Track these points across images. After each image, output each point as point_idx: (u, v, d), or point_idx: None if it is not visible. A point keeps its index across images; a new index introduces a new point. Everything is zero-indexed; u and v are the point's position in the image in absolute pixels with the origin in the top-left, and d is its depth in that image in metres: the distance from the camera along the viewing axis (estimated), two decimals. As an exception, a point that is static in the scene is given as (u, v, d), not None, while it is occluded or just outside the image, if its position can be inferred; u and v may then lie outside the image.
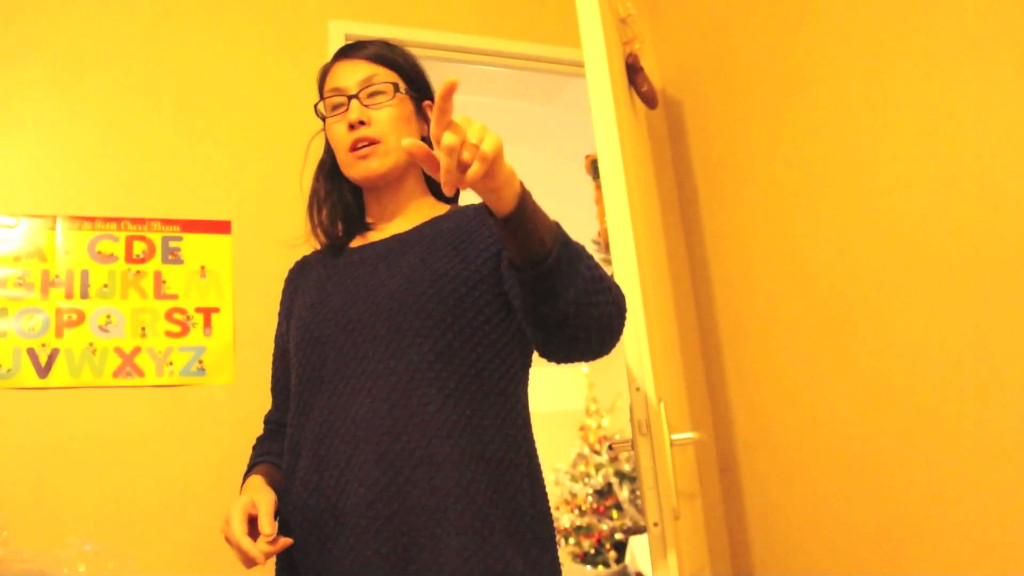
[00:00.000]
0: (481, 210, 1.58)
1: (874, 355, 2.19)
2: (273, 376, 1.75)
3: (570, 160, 3.85)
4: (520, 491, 1.44)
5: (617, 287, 1.41)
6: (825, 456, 2.35)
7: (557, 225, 1.32)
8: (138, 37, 2.70)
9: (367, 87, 1.61)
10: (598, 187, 3.03)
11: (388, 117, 1.61)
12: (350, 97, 1.61)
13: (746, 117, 2.69)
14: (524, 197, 1.25)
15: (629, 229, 2.04)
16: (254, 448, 1.73)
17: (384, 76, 1.63)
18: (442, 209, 1.69)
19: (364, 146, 1.60)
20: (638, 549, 6.76)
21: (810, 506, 2.40)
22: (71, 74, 2.60)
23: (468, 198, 1.76)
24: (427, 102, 1.71)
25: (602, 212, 2.91)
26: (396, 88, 1.62)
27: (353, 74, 1.63)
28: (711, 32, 2.91)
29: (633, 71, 2.80)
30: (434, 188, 1.74)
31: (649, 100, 2.88)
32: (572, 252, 1.31)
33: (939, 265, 2.01)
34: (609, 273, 1.46)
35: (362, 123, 1.59)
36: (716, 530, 2.77)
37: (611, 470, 7.91)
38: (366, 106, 1.61)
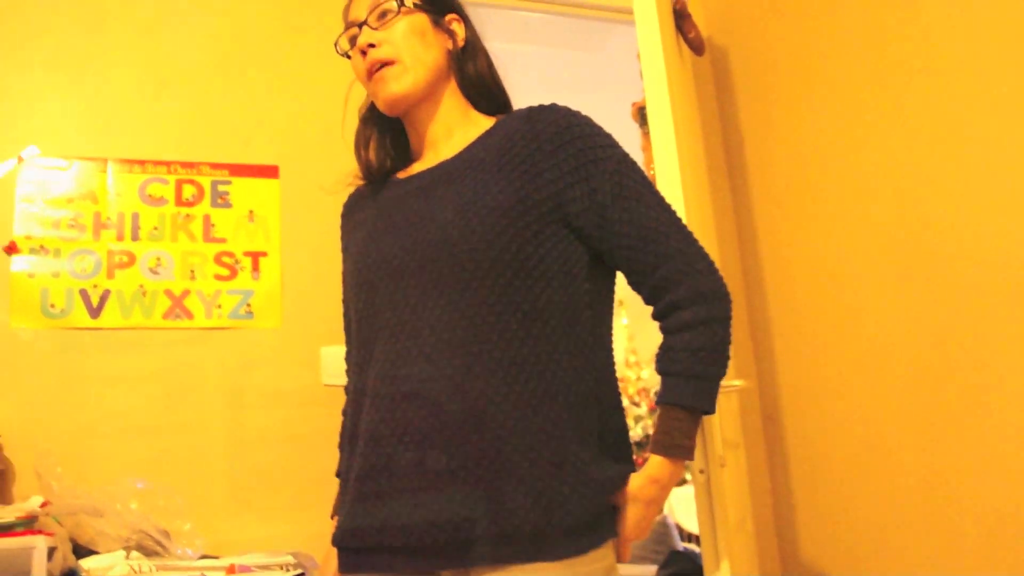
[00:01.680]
0: (528, 118, 1.49)
1: (927, 307, 2.17)
2: (344, 315, 1.70)
3: (616, 107, 3.82)
4: (589, 432, 1.40)
5: (723, 316, 1.51)
6: (872, 406, 2.34)
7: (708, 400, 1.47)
8: (187, -19, 2.71)
9: (374, 9, 1.55)
10: (645, 134, 3.00)
11: (397, 33, 1.54)
12: (360, 25, 1.56)
13: (795, 66, 2.65)
14: (686, 452, 1.44)
15: (677, 177, 2.03)
16: (340, 439, 1.68)
17: None
18: (488, 123, 1.59)
19: (378, 69, 1.54)
20: (677, 501, 6.78)
21: (855, 456, 2.39)
22: (123, 19, 2.62)
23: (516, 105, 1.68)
24: (450, 15, 1.63)
25: (649, 160, 2.89)
26: (401, 3, 1.54)
27: (363, 3, 1.58)
28: (762, -22, 2.87)
29: (680, 17, 2.76)
30: (475, 102, 1.65)
31: (696, 47, 2.85)
32: (715, 394, 1.49)
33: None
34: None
35: (372, 45, 1.53)
36: (759, 478, 2.77)
37: (650, 422, 7.91)
38: (375, 28, 1.54)
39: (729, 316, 1.51)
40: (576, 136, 1.45)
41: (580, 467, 1.35)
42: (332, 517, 1.61)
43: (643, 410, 8.12)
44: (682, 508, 6.62)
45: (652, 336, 1.52)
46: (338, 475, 1.63)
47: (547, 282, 1.40)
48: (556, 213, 1.42)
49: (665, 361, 1.46)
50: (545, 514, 1.31)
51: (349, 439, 1.53)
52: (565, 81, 4.77)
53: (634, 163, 1.50)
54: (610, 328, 1.54)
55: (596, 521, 1.37)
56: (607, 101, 4.51)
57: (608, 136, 1.50)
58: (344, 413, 1.66)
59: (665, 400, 1.45)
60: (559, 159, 1.43)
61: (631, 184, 1.46)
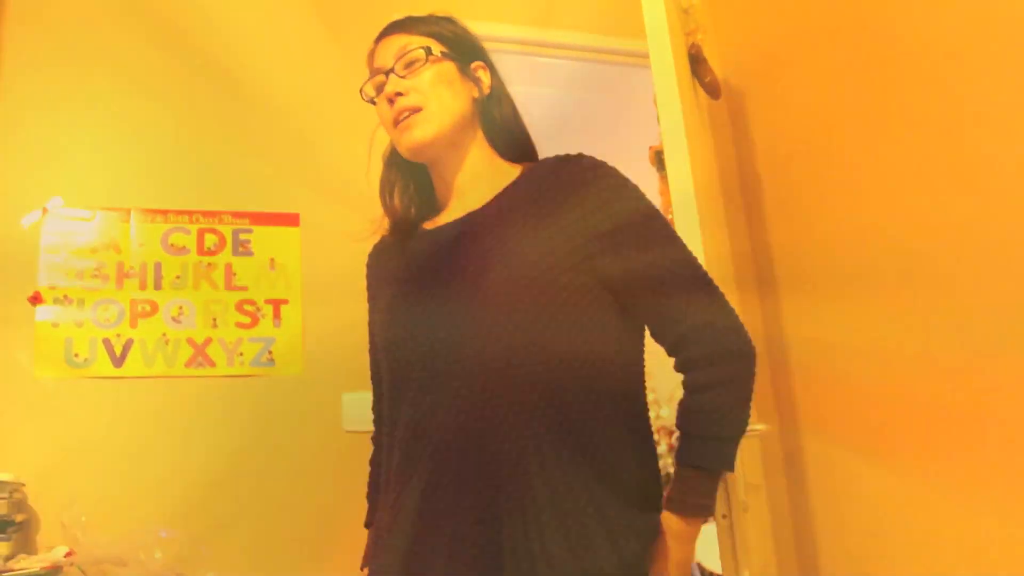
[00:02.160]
0: (554, 169, 1.49)
1: (951, 347, 2.16)
2: (371, 364, 1.69)
3: (633, 151, 3.85)
4: (623, 480, 1.41)
5: (743, 375, 1.54)
6: (895, 444, 2.32)
7: (728, 454, 1.46)
8: (208, 34, 2.74)
9: (401, 58, 1.54)
10: (662, 178, 3.02)
11: (425, 82, 1.53)
12: (387, 72, 1.55)
13: (812, 107, 2.66)
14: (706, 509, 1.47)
15: (696, 222, 2.04)
16: (370, 479, 1.68)
17: (417, 43, 1.55)
18: (514, 172, 1.57)
19: (406, 117, 1.53)
20: (698, 540, 6.70)
21: (879, 496, 2.38)
22: (144, 72, 2.65)
23: (541, 154, 1.65)
24: (476, 63, 1.62)
25: (667, 204, 2.90)
26: (428, 51, 1.54)
27: (389, 50, 1.57)
28: (775, 20, 2.89)
29: (696, 62, 2.78)
30: (500, 149, 1.63)
31: (712, 91, 2.86)
32: (733, 453, 1.47)
33: None
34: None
35: (399, 94, 1.52)
36: (781, 519, 2.75)
37: (669, 460, 7.84)
38: (402, 76, 1.53)
39: (751, 374, 1.51)
40: (602, 188, 1.44)
41: (614, 518, 1.35)
42: (362, 568, 1.60)
43: (663, 448, 8.04)
44: (703, 547, 6.53)
45: (670, 374, 1.51)
46: (367, 525, 1.62)
47: (576, 333, 1.39)
48: (585, 264, 1.41)
49: (684, 420, 1.47)
50: (581, 563, 1.30)
51: (380, 490, 1.53)
52: (582, 124, 4.80)
53: (659, 215, 1.49)
54: (641, 375, 1.54)
55: (631, 571, 1.36)
56: (624, 144, 4.53)
57: (635, 188, 1.49)
58: (372, 463, 1.66)
59: (683, 460, 1.46)
60: (585, 211, 1.42)
61: (656, 238, 1.46)
